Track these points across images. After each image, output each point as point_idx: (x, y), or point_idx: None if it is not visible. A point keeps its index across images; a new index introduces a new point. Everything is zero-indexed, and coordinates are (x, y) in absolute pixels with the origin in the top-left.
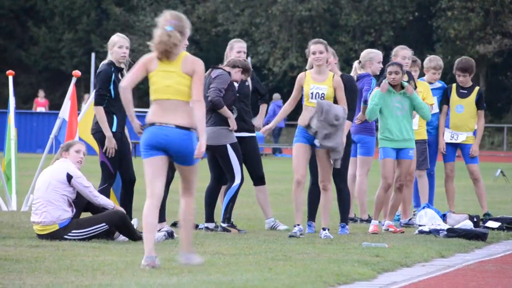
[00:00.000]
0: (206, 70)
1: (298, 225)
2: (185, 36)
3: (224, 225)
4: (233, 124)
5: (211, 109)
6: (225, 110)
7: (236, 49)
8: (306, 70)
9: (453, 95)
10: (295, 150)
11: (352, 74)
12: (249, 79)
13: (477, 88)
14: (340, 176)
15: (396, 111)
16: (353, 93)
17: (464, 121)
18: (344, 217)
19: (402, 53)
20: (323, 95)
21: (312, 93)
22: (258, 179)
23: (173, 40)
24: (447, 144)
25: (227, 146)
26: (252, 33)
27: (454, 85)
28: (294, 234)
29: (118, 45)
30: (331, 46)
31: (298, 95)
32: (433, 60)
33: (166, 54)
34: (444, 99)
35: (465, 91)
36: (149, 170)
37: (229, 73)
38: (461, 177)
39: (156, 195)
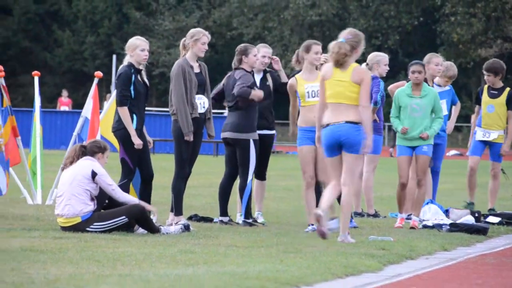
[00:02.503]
0: (225, 72)
1: (312, 225)
2: (356, 51)
3: (249, 220)
4: (258, 93)
5: (236, 106)
6: (255, 93)
7: (262, 53)
8: (295, 74)
9: (485, 96)
10: (302, 153)
11: None
12: (269, 78)
13: (507, 89)
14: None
15: (413, 113)
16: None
17: (495, 120)
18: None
19: (436, 60)
20: (316, 92)
21: (308, 92)
22: (262, 175)
23: (342, 50)
24: (478, 141)
25: (250, 141)
26: (265, 36)
27: (486, 86)
28: (313, 230)
29: (140, 48)
30: None
31: (296, 99)
32: (451, 70)
33: (337, 63)
34: (476, 100)
35: (496, 92)
36: (329, 168)
37: (251, 73)
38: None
39: (338, 187)
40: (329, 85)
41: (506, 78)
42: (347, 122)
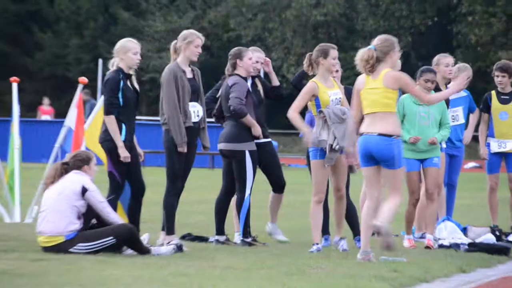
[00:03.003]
0: (219, 77)
1: (317, 244)
2: (390, 56)
3: (248, 239)
4: (258, 131)
5: (233, 116)
6: (248, 119)
7: (254, 58)
8: (311, 78)
9: (494, 102)
10: (315, 167)
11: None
12: (259, 83)
13: None
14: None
15: (421, 121)
16: None
17: (510, 128)
18: (357, 230)
19: (446, 61)
20: (339, 99)
21: (332, 100)
22: (279, 187)
23: (368, 58)
24: (494, 154)
25: (245, 153)
26: (265, 38)
27: (493, 92)
28: (318, 250)
29: (133, 51)
30: (347, 53)
31: (304, 104)
32: (464, 70)
33: (366, 71)
34: (484, 107)
35: (507, 97)
36: (365, 179)
37: (245, 78)
38: (485, 189)
39: (373, 199)
40: (364, 95)
41: None
42: (379, 134)
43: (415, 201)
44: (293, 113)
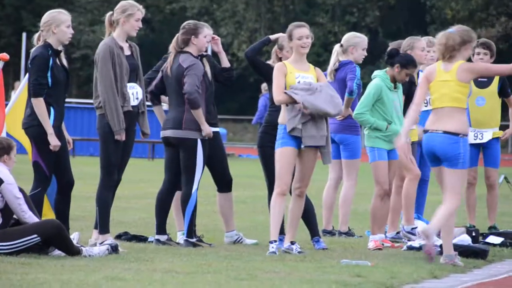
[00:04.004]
0: (160, 54)
1: (275, 241)
2: (466, 47)
3: (193, 240)
4: (207, 131)
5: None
6: (199, 114)
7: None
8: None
9: (471, 85)
10: (281, 156)
11: (332, 60)
12: (207, 66)
13: None
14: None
15: (398, 110)
16: None
17: (488, 116)
18: (315, 230)
19: (420, 45)
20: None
21: (299, 82)
22: (225, 185)
23: (450, 42)
24: (470, 145)
25: (197, 141)
26: (214, 11)
27: None
28: (273, 253)
29: (66, 24)
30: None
31: (283, 84)
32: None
33: (444, 57)
34: None
35: (485, 79)
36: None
37: (199, 58)
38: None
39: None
40: (434, 88)
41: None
42: (445, 132)
43: (384, 193)
44: (278, 97)
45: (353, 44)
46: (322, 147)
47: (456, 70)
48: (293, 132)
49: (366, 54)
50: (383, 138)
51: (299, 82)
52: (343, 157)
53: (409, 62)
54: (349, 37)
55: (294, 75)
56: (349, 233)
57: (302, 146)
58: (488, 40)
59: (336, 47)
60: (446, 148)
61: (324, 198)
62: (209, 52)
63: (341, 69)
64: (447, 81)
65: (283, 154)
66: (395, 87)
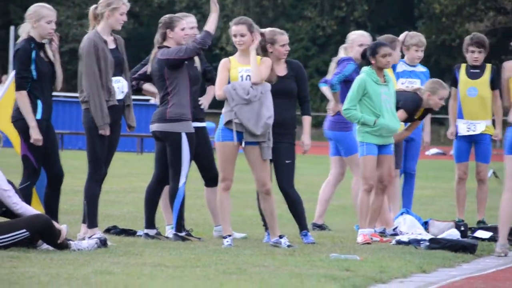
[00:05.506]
0: (149, 48)
1: (229, 236)
2: None
3: (182, 234)
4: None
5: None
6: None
7: (189, 24)
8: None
9: (462, 76)
10: (221, 149)
11: (338, 55)
12: (197, 60)
13: (489, 65)
14: (285, 179)
15: (385, 104)
16: (306, 81)
17: (480, 106)
18: (304, 224)
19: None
20: None
21: (242, 77)
22: (211, 179)
23: None
24: (462, 138)
25: (181, 135)
26: (202, 5)
27: (463, 64)
28: (229, 245)
29: (46, 19)
30: (295, 23)
31: (225, 80)
32: (414, 36)
33: None
34: (452, 81)
35: (477, 70)
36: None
37: None
38: (450, 178)
39: None
40: None
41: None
42: None
43: (369, 188)
44: (219, 91)
45: (351, 40)
46: (262, 142)
47: None
48: (228, 125)
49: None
50: (373, 133)
51: (241, 76)
52: (343, 155)
53: (376, 46)
54: (356, 36)
55: (237, 69)
56: (321, 226)
57: (242, 144)
58: (481, 37)
59: (344, 45)
60: None
61: (320, 192)
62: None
63: (339, 65)
64: None
65: (218, 148)
66: (384, 81)
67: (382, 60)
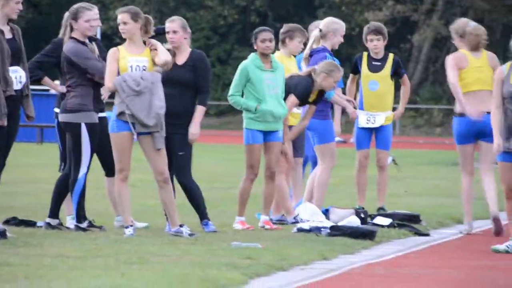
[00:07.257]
0: (49, 38)
1: (131, 226)
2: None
3: (83, 225)
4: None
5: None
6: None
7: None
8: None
9: (364, 69)
10: (116, 140)
11: (308, 45)
12: (95, 48)
13: (391, 56)
14: (180, 171)
15: (270, 90)
16: (205, 72)
17: (381, 100)
18: (204, 213)
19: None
20: (144, 68)
21: (131, 67)
22: (111, 169)
23: (482, 33)
24: (362, 128)
25: (81, 125)
26: None
27: (365, 53)
28: (131, 235)
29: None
30: (196, 12)
31: (115, 70)
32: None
33: (482, 45)
34: (354, 69)
35: (379, 63)
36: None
37: (83, 43)
38: (350, 166)
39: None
40: (468, 73)
41: (399, 49)
42: (488, 113)
43: (254, 177)
44: (109, 83)
45: (333, 30)
46: (154, 132)
47: (485, 57)
48: (121, 117)
49: (342, 40)
50: (256, 118)
51: (131, 67)
52: (314, 143)
53: (257, 32)
54: (329, 22)
55: (127, 59)
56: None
57: (134, 136)
58: (378, 25)
59: (315, 32)
60: (490, 126)
61: (308, 182)
62: (99, 36)
63: (314, 56)
64: (480, 67)
65: (115, 138)
66: (270, 67)
67: (261, 45)
